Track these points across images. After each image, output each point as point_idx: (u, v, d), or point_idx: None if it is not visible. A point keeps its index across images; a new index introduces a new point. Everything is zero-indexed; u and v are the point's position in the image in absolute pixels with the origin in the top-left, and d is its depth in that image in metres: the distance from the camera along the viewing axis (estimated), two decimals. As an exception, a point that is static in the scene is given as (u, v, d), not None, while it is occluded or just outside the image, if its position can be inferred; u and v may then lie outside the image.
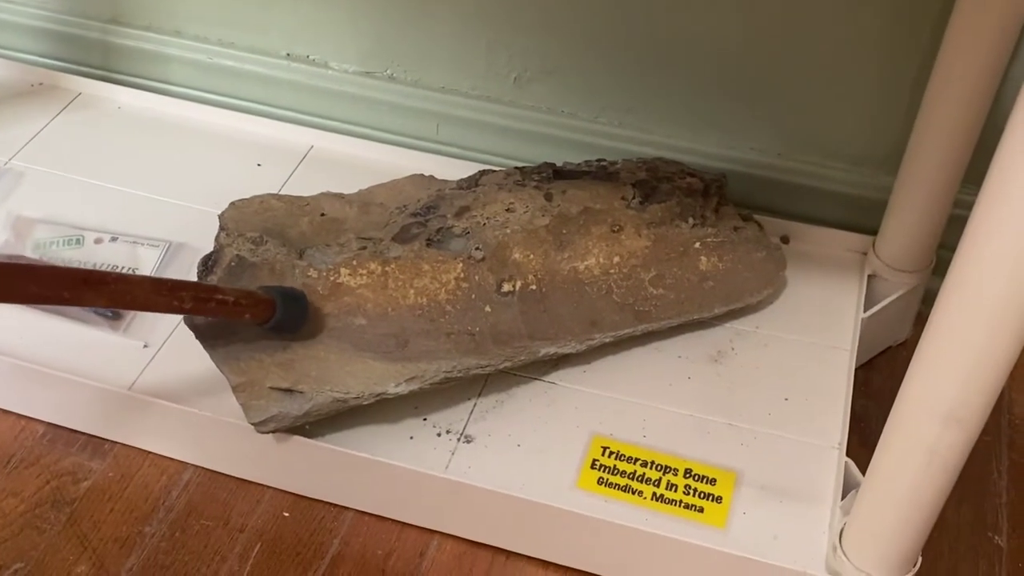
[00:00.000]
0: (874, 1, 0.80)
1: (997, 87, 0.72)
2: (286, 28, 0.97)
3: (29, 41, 1.07)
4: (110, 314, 0.80)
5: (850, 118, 0.87)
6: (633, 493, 0.70)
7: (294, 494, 0.75)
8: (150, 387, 0.75)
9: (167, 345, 0.78)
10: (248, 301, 0.68)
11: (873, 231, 0.85)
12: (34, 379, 0.76)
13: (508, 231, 0.78)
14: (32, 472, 0.76)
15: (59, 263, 0.83)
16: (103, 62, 1.05)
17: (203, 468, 0.76)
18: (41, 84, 1.02)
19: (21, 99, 1.00)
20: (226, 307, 0.68)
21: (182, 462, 0.76)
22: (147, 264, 0.84)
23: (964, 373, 0.52)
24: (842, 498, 0.69)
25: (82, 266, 0.83)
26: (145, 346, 0.78)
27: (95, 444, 0.77)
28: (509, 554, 0.72)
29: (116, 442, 0.77)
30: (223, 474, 0.76)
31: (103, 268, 0.83)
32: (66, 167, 0.93)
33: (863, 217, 0.88)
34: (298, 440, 0.71)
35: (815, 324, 0.81)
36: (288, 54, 0.99)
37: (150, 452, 0.77)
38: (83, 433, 0.78)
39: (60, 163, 0.93)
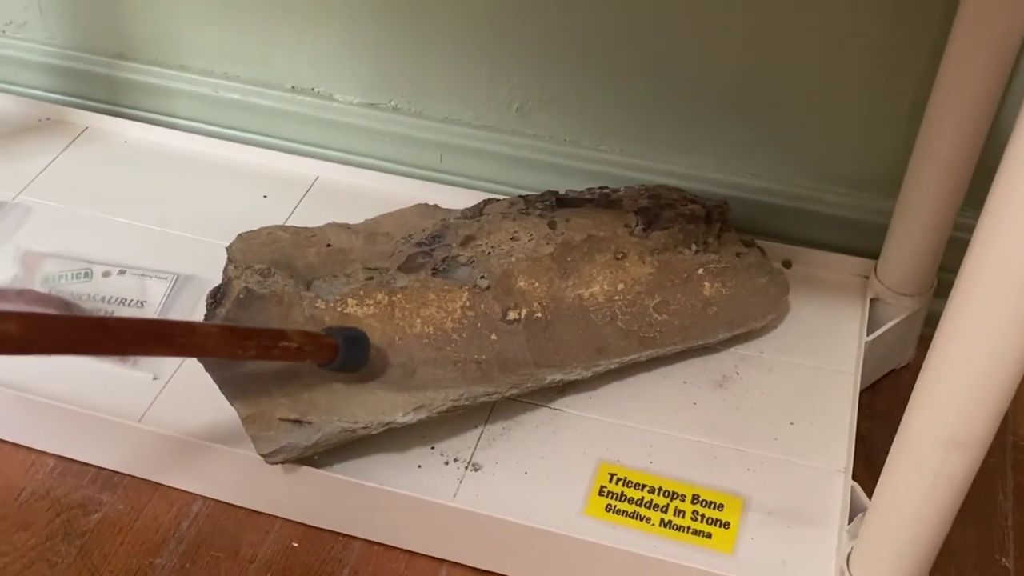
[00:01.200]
0: (871, 26, 0.81)
1: (996, 109, 0.72)
2: (290, 61, 0.98)
3: (36, 76, 1.08)
4: (119, 347, 0.80)
5: (849, 142, 0.87)
6: (641, 520, 0.70)
7: (303, 524, 0.75)
8: (160, 419, 0.75)
9: (176, 377, 0.79)
10: (312, 347, 0.68)
11: (874, 254, 0.85)
12: (43, 413, 0.76)
13: (513, 259, 0.78)
14: (43, 505, 0.76)
15: (68, 296, 0.83)
16: (110, 96, 1.06)
17: (213, 499, 0.76)
18: (48, 119, 1.03)
19: (29, 134, 1.01)
20: (290, 353, 0.67)
21: (192, 493, 0.77)
22: (156, 296, 0.84)
23: (967, 397, 0.52)
24: (849, 522, 0.69)
25: (91, 298, 0.84)
26: (154, 378, 0.79)
27: (105, 476, 0.78)
28: (518, 582, 0.72)
29: (126, 474, 0.78)
30: (232, 505, 0.76)
31: (111, 300, 0.84)
32: (74, 201, 0.94)
33: (864, 241, 0.89)
34: (307, 470, 0.71)
35: (819, 348, 0.81)
36: (293, 87, 1.00)
37: (160, 484, 0.77)
38: (93, 466, 0.78)
39: (68, 197, 0.94)
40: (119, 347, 0.60)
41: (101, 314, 0.83)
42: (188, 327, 0.64)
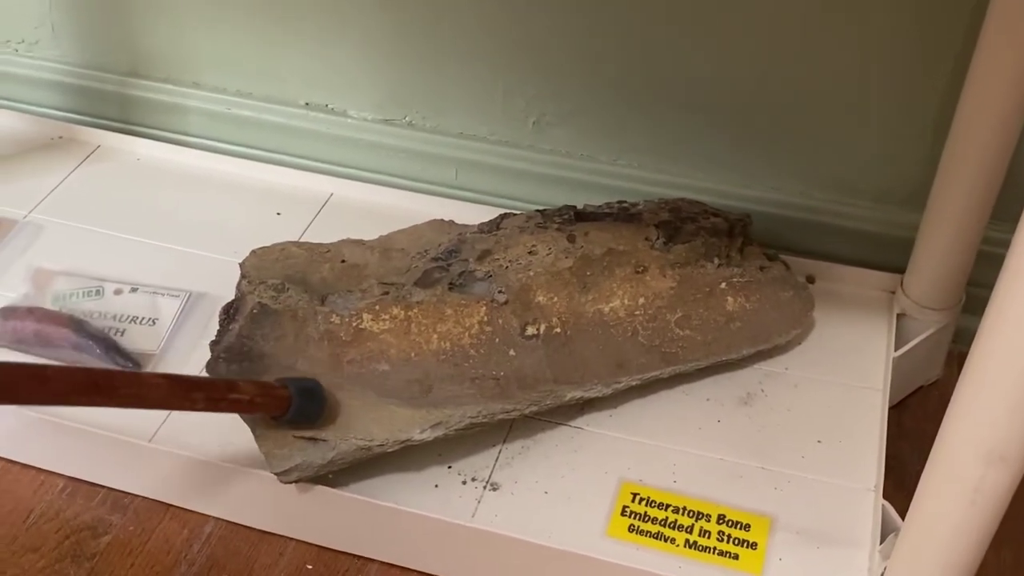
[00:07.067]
0: (894, 38, 0.79)
1: None
2: (304, 77, 0.98)
3: (48, 95, 1.07)
4: (131, 365, 0.79)
5: (873, 154, 0.86)
6: (665, 540, 0.68)
7: (317, 546, 0.73)
8: (170, 438, 0.74)
9: (188, 395, 0.77)
10: (264, 399, 0.66)
11: (900, 269, 0.84)
12: (53, 432, 0.75)
13: (531, 273, 0.77)
14: (52, 527, 0.74)
15: (79, 314, 0.82)
16: (121, 114, 1.05)
17: (225, 520, 0.75)
18: (60, 137, 1.02)
19: (40, 152, 1.00)
20: (240, 405, 0.66)
21: (203, 514, 0.75)
22: (167, 314, 0.83)
23: (1007, 409, 0.50)
24: (881, 542, 0.67)
25: (102, 316, 0.82)
26: (165, 397, 0.77)
27: (115, 497, 0.76)
28: (538, 605, 0.70)
29: (136, 495, 0.76)
30: (245, 526, 0.74)
31: (123, 319, 0.83)
32: (85, 219, 0.93)
33: (890, 255, 0.87)
34: (321, 490, 0.70)
35: (845, 364, 0.80)
36: (306, 103, 0.99)
37: (171, 505, 0.76)
38: (103, 486, 0.77)
39: (79, 215, 0.93)
40: (58, 398, 0.58)
41: (110, 333, 0.81)
42: (133, 379, 0.62)
